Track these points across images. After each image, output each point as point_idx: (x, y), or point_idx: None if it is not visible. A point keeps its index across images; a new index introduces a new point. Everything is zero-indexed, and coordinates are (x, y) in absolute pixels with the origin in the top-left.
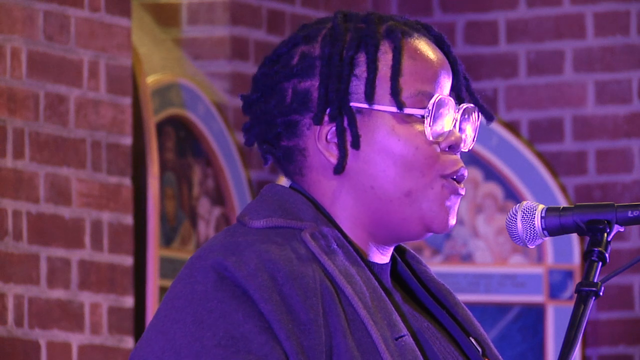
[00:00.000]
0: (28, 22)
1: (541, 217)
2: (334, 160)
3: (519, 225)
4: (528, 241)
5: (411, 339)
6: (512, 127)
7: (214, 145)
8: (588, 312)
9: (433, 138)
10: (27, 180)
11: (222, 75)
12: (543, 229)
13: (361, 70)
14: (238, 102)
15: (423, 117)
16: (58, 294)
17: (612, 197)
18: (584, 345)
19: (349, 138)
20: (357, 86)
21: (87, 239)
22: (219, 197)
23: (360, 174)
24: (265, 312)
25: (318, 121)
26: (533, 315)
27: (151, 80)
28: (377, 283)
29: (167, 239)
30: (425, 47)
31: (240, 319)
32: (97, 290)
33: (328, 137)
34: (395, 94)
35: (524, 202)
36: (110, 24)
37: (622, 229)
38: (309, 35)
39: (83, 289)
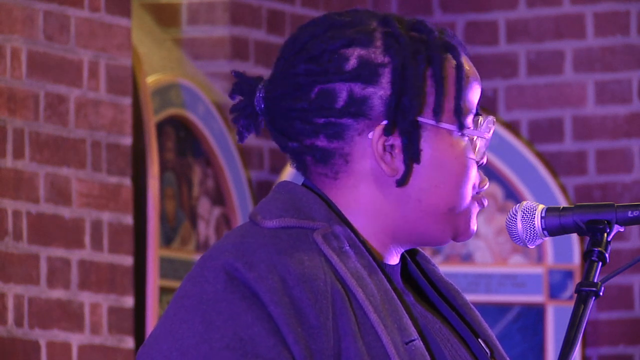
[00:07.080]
0: (28, 22)
1: (541, 217)
2: (387, 169)
3: (519, 225)
4: (528, 241)
5: (421, 343)
6: (512, 127)
7: (214, 145)
8: (588, 312)
9: (479, 158)
10: (27, 180)
11: (222, 75)
12: (543, 229)
13: (429, 84)
14: None
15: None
16: (58, 294)
17: (612, 197)
18: (584, 345)
19: (412, 152)
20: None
21: (87, 239)
22: (219, 197)
23: (411, 187)
24: (275, 314)
25: (389, 132)
26: (533, 315)
27: (151, 80)
28: (389, 286)
29: (167, 239)
30: (470, 64)
31: (249, 321)
32: (97, 290)
33: (385, 146)
34: (459, 114)
35: (524, 202)
36: (110, 24)
37: (622, 229)
38: (358, 38)
39: (83, 289)
